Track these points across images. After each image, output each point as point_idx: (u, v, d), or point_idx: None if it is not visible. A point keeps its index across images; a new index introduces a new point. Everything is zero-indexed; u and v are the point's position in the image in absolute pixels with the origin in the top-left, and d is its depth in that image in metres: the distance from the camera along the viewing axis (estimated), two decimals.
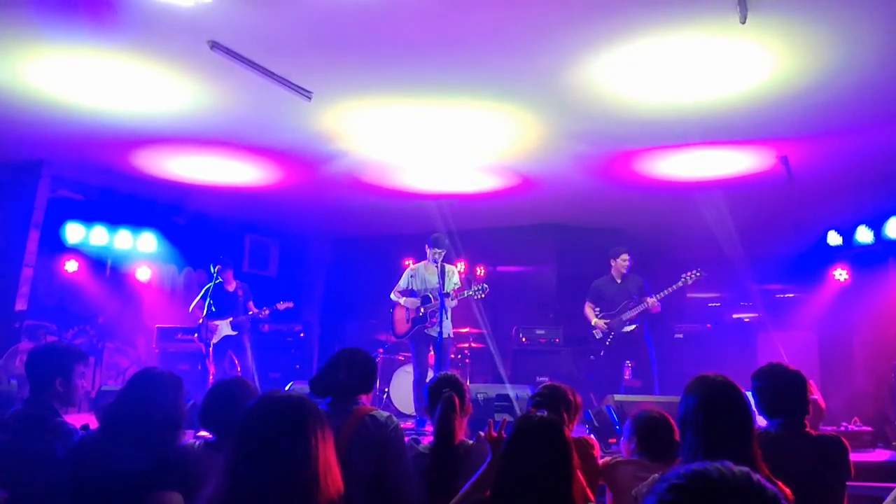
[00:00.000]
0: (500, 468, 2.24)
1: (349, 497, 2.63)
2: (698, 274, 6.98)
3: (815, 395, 4.80)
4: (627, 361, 7.41)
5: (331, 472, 1.84)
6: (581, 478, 2.39)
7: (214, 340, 7.60)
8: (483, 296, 6.70)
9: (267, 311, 7.88)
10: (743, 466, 0.99)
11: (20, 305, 7.16)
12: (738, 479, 0.97)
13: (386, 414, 2.87)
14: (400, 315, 6.93)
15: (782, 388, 2.90)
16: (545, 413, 2.35)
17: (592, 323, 7.35)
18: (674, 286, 7.06)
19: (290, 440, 1.79)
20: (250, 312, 7.79)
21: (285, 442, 1.79)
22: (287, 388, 6.50)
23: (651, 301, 7.00)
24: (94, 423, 3.30)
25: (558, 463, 2.16)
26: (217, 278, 7.68)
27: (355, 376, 2.95)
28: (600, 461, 3.12)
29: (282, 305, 8.04)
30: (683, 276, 7.04)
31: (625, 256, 7.37)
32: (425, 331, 6.72)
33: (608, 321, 7.23)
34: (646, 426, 3.06)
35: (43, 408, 2.87)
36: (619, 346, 7.22)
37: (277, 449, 1.77)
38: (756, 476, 0.98)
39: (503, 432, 2.61)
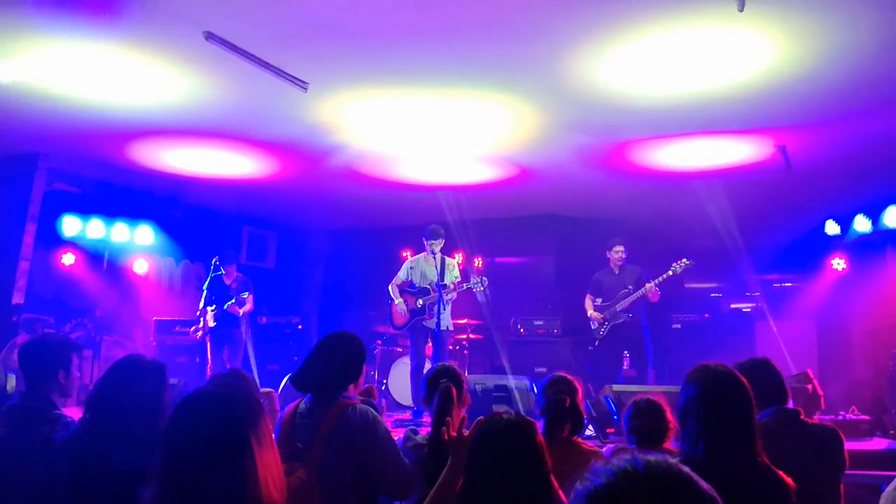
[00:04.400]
0: (466, 477, 2.07)
1: (328, 496, 2.60)
2: (688, 262, 6.96)
3: (812, 383, 4.81)
4: (625, 352, 7.44)
5: (272, 475, 1.65)
6: (554, 482, 2.32)
7: (203, 332, 7.60)
8: (483, 288, 6.70)
9: (237, 307, 7.62)
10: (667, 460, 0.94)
11: (17, 299, 7.14)
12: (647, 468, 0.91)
13: (363, 407, 2.77)
14: (398, 306, 6.92)
15: (751, 375, 2.83)
16: (512, 412, 2.20)
17: (589, 314, 7.40)
18: (664, 275, 7.05)
19: (223, 452, 1.59)
20: (226, 306, 7.56)
21: (218, 455, 1.59)
22: (284, 381, 6.51)
23: (649, 286, 6.99)
24: None
25: (533, 468, 1.99)
26: (219, 270, 7.66)
27: (340, 372, 2.85)
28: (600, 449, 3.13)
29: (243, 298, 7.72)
30: (674, 264, 7.03)
31: (618, 248, 7.37)
32: (423, 322, 6.72)
33: (603, 312, 7.25)
34: (631, 412, 3.14)
35: (40, 400, 2.86)
36: (616, 336, 7.23)
37: (210, 465, 1.56)
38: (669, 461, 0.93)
39: (463, 431, 2.37)
